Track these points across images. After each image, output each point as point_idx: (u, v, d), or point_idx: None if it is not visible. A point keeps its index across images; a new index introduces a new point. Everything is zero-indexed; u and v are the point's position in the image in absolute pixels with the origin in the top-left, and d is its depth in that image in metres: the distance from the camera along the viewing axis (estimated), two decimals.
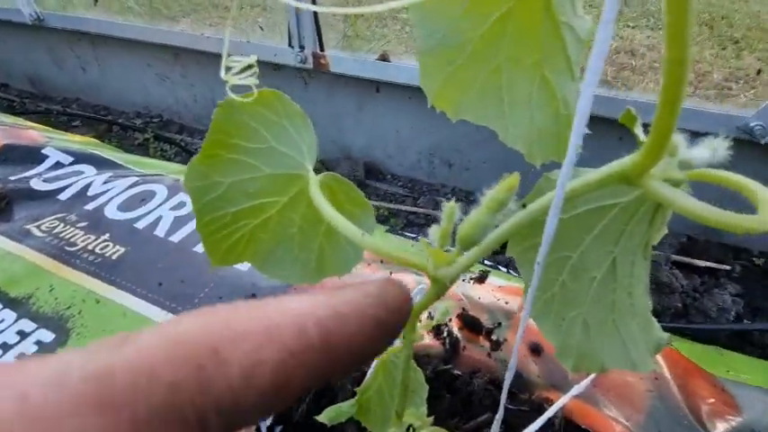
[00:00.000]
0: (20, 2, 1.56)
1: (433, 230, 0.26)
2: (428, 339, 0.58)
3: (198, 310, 0.13)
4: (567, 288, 0.33)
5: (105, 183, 0.87)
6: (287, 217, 0.37)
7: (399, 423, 0.37)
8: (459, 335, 0.60)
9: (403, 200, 1.31)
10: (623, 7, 2.15)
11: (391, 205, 1.26)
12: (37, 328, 0.63)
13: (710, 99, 1.49)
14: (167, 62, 1.56)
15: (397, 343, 0.41)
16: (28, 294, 0.68)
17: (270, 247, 0.38)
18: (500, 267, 0.80)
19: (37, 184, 0.87)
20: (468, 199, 1.30)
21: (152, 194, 0.85)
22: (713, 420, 0.56)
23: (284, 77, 1.32)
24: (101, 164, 0.94)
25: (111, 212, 0.80)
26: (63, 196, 0.86)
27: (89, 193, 0.85)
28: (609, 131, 1.02)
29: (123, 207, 0.82)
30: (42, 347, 0.62)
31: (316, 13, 1.11)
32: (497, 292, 0.70)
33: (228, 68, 0.31)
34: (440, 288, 0.26)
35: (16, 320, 0.64)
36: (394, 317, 0.15)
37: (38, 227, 0.78)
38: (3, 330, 0.63)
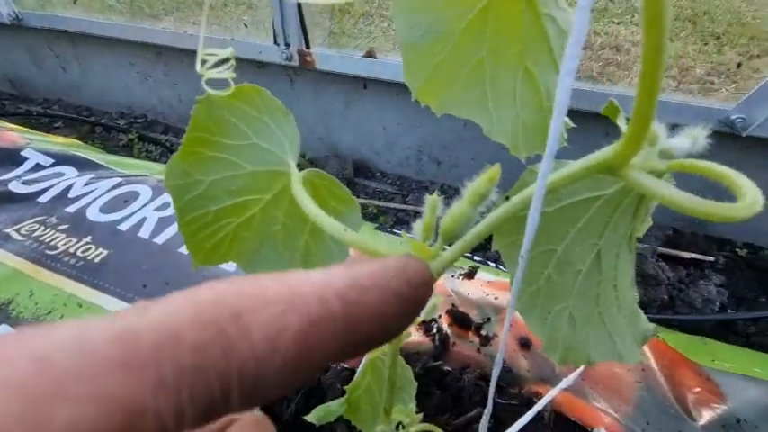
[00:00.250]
0: None
1: (417, 225, 0.26)
2: (418, 336, 0.58)
3: (219, 280, 0.13)
4: (552, 281, 0.33)
5: (87, 184, 0.85)
6: (271, 215, 0.36)
7: (388, 420, 0.36)
8: (448, 331, 0.60)
9: (392, 197, 1.31)
10: (608, 3, 2.17)
11: (380, 203, 1.25)
12: None
13: (693, 93, 1.51)
14: (150, 61, 1.53)
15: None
16: (8, 300, 0.66)
17: (254, 246, 0.37)
18: (489, 263, 0.80)
19: (16, 187, 0.85)
20: (456, 196, 1.30)
21: (136, 195, 0.83)
22: (699, 409, 0.57)
23: (270, 75, 1.31)
24: (82, 165, 0.92)
25: (94, 214, 0.79)
26: (43, 199, 0.84)
27: (70, 195, 0.83)
28: (595, 126, 1.03)
29: (106, 209, 0.80)
30: None
31: (301, 10, 1.10)
32: (486, 287, 0.70)
33: (204, 62, 0.30)
34: None
35: None
36: (416, 292, 0.15)
37: (17, 230, 0.76)
38: None
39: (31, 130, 1.16)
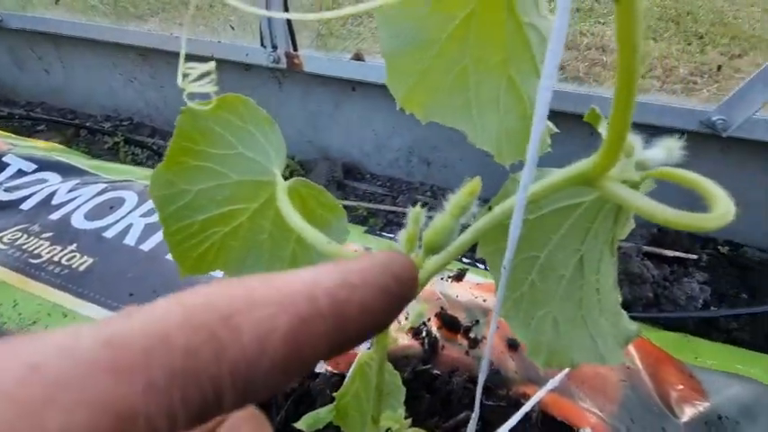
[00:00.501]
0: None
1: (401, 235, 0.26)
2: (407, 340, 0.58)
3: (208, 283, 0.13)
4: (535, 287, 0.34)
5: (71, 191, 0.84)
6: (257, 224, 0.36)
7: (376, 428, 0.37)
8: (437, 334, 0.61)
9: (382, 199, 1.31)
10: (594, 4, 2.19)
11: (371, 205, 1.26)
12: None
13: (677, 93, 1.54)
14: (135, 63, 1.51)
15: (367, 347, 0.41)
16: None
17: (241, 255, 0.37)
18: (478, 265, 0.81)
19: None
20: (446, 197, 1.31)
21: (121, 201, 0.82)
22: (681, 406, 0.58)
23: (257, 78, 1.30)
24: (66, 171, 0.91)
25: (78, 221, 0.77)
26: (26, 206, 0.82)
27: (54, 202, 0.82)
28: (580, 128, 1.05)
29: (91, 216, 0.79)
30: None
31: (287, 11, 1.09)
32: (475, 289, 0.71)
33: (186, 75, 0.30)
34: None
35: None
36: (402, 286, 0.15)
37: None
38: None
39: (13, 135, 1.14)
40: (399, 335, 0.48)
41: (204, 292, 0.12)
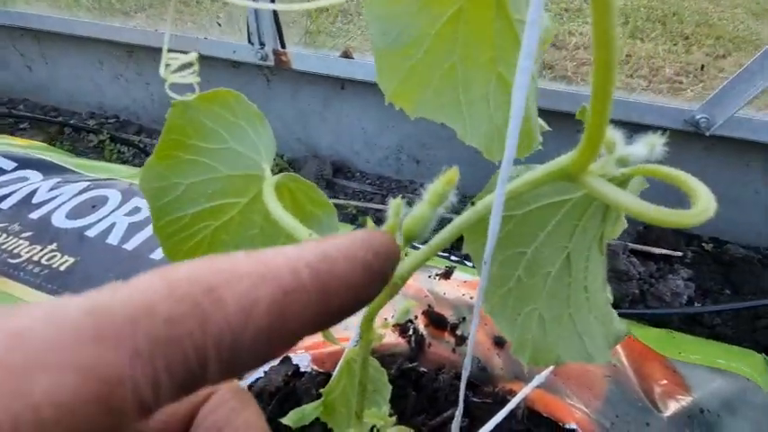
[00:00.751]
0: None
1: (382, 228, 0.26)
2: (393, 338, 0.58)
3: (193, 259, 0.13)
4: (522, 283, 0.34)
5: (52, 189, 0.82)
6: (248, 218, 0.37)
7: (360, 424, 0.36)
8: (424, 332, 0.61)
9: (372, 197, 1.31)
10: (582, 4, 2.21)
11: (360, 203, 1.25)
12: None
13: (663, 93, 1.56)
14: (121, 60, 1.49)
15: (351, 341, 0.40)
16: None
17: (231, 250, 0.37)
18: (466, 262, 0.81)
19: None
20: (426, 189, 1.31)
21: (104, 200, 0.80)
22: (665, 401, 0.59)
23: (245, 75, 1.29)
24: (48, 169, 0.89)
25: (59, 220, 0.76)
26: (5, 205, 0.80)
27: (34, 201, 0.80)
28: (569, 126, 1.05)
29: (72, 214, 0.77)
30: None
31: (275, 9, 1.08)
32: (462, 287, 0.71)
33: (168, 65, 0.29)
34: (392, 288, 0.26)
35: None
36: (382, 262, 0.16)
37: None
38: None
39: None
40: (386, 332, 0.48)
41: (187, 266, 0.12)
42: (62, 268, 0.68)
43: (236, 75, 1.29)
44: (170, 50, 0.28)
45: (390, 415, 0.40)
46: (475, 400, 0.53)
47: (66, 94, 1.65)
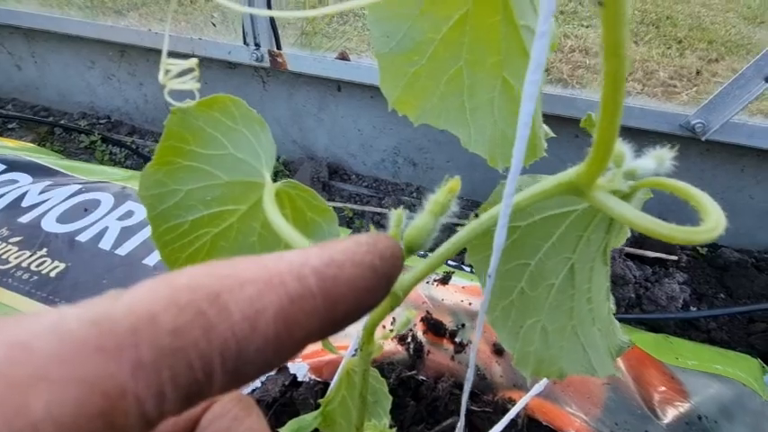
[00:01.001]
0: None
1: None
2: (392, 346, 0.57)
3: (195, 265, 0.13)
4: (525, 295, 0.33)
5: (42, 192, 0.80)
6: (247, 226, 0.36)
7: None
8: (423, 339, 0.60)
9: (368, 200, 1.30)
10: (578, 6, 2.22)
11: (356, 206, 1.24)
12: None
13: (657, 96, 1.57)
14: (113, 60, 1.47)
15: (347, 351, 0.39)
16: None
17: (231, 257, 0.37)
18: (464, 267, 0.81)
19: None
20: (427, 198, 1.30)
21: (96, 203, 0.79)
22: (664, 407, 0.59)
23: (241, 77, 1.27)
24: (37, 171, 0.87)
25: (50, 225, 0.74)
26: None
27: (24, 204, 0.78)
28: (565, 129, 1.05)
29: (63, 218, 0.76)
30: None
31: (270, 8, 1.07)
32: (461, 292, 0.70)
33: (167, 72, 0.29)
34: (393, 299, 0.26)
35: None
36: (388, 265, 0.15)
37: None
38: None
39: None
40: (384, 341, 0.47)
41: (190, 272, 0.12)
42: (52, 274, 0.66)
43: (232, 76, 1.28)
44: (169, 55, 0.27)
45: (390, 426, 0.39)
46: (475, 408, 0.53)
47: (57, 94, 1.63)
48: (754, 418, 0.60)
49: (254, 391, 0.49)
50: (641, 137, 0.94)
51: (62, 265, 0.67)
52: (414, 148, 1.26)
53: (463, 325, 0.64)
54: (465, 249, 0.32)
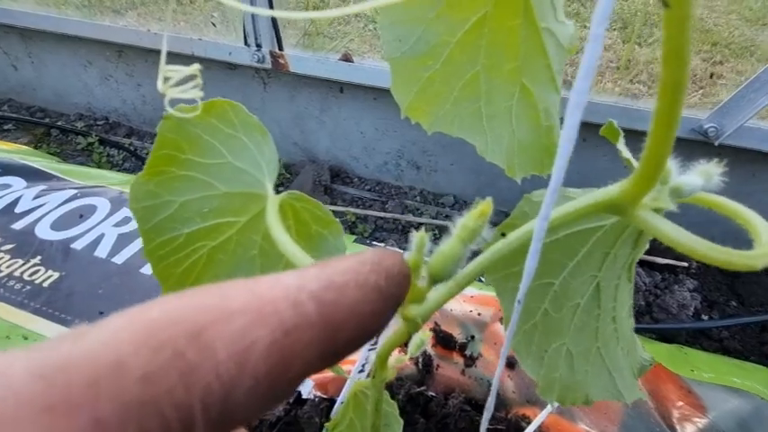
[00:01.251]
0: None
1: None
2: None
3: (176, 293, 0.11)
4: (549, 317, 0.31)
5: (37, 197, 0.78)
6: (248, 238, 0.35)
7: None
8: (432, 352, 0.58)
9: (371, 204, 1.28)
10: (580, 8, 2.21)
11: (359, 210, 1.22)
12: None
13: None
14: (110, 60, 1.44)
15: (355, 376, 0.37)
16: None
17: (229, 271, 0.35)
18: None
19: None
20: (436, 202, 1.28)
21: (92, 209, 0.76)
22: (683, 424, 0.56)
23: (241, 78, 1.25)
24: (32, 175, 0.84)
25: (44, 231, 0.71)
26: None
27: (17, 210, 0.75)
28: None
29: (58, 225, 0.73)
30: None
31: (272, 8, 1.05)
32: (470, 302, 0.68)
33: (167, 79, 0.26)
34: (411, 327, 0.24)
35: None
36: (394, 284, 0.14)
37: None
38: None
39: None
40: (400, 366, 0.45)
41: (169, 303, 0.11)
42: (45, 284, 0.64)
43: (233, 77, 1.26)
44: (168, 56, 0.25)
45: None
46: (488, 427, 0.51)
47: (54, 95, 1.60)
48: None
49: None
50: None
51: (56, 275, 0.65)
52: (417, 150, 1.24)
53: (473, 337, 0.61)
54: None
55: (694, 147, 0.93)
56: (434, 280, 0.22)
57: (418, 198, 1.29)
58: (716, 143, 0.88)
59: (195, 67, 0.24)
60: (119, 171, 1.30)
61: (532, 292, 0.30)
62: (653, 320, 0.92)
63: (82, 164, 1.28)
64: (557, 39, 0.30)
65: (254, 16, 1.05)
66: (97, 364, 0.09)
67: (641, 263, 1.03)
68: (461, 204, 1.25)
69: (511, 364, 0.59)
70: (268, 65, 1.13)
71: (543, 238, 0.22)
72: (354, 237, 0.92)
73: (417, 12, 0.29)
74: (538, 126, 0.32)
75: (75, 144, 1.47)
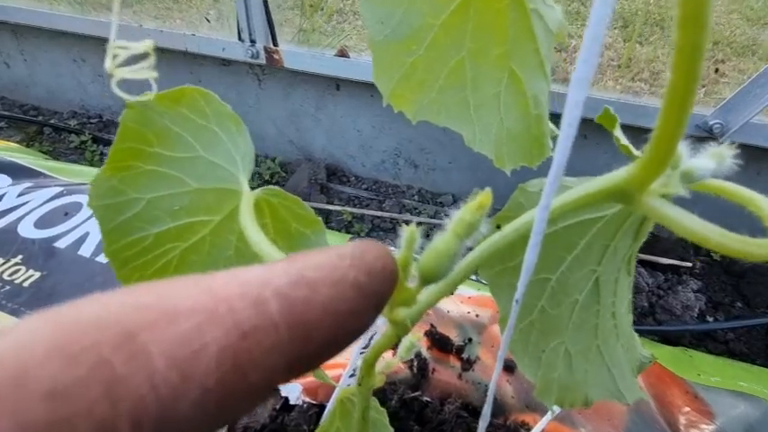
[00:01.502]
0: None
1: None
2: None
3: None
4: (546, 314, 0.30)
5: (21, 195, 0.75)
6: (223, 238, 0.33)
7: None
8: (427, 356, 0.55)
9: (368, 203, 1.26)
10: (581, 7, 2.19)
11: (355, 209, 1.20)
12: None
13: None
14: (104, 57, 1.42)
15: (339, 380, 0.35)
16: None
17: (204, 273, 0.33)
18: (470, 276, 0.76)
19: None
20: (434, 201, 1.26)
21: (77, 207, 0.74)
22: (690, 431, 0.54)
23: (235, 74, 1.23)
24: (18, 173, 0.82)
25: (26, 230, 0.69)
26: None
27: (0, 208, 0.73)
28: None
29: (41, 223, 0.71)
30: None
31: (266, 4, 1.03)
32: (467, 303, 0.65)
33: (116, 57, 0.24)
34: (400, 330, 0.21)
35: None
36: (377, 281, 0.12)
37: None
38: None
39: None
40: (388, 372, 0.43)
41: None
42: (26, 284, 0.62)
43: (227, 73, 1.24)
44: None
45: None
46: None
47: (47, 93, 1.58)
48: None
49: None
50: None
51: (37, 274, 0.63)
52: (415, 148, 1.22)
53: (470, 339, 0.59)
54: None
55: (698, 144, 0.91)
56: (426, 280, 0.20)
57: (416, 197, 1.27)
58: (721, 140, 0.86)
59: (147, 44, 0.22)
60: None
61: (529, 289, 0.28)
62: (656, 322, 0.89)
63: (74, 162, 1.26)
64: (545, 22, 0.28)
65: (248, 10, 1.03)
66: None
67: (644, 263, 1.00)
68: (460, 203, 1.23)
69: (510, 367, 0.57)
70: (262, 60, 1.11)
71: (544, 229, 0.20)
72: (350, 236, 0.90)
73: None
74: (527, 114, 0.30)
75: (68, 142, 1.45)
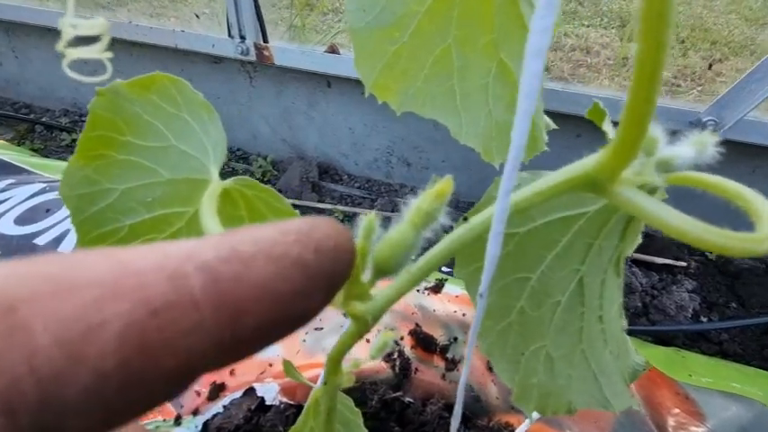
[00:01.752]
0: None
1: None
2: (375, 363, 0.52)
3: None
4: (526, 316, 0.28)
5: (2, 191, 0.74)
6: (199, 231, 0.31)
7: None
8: (411, 355, 0.54)
9: (360, 202, 1.24)
10: (578, 6, 2.19)
11: (348, 208, 1.18)
12: None
13: (662, 95, 1.53)
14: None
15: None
16: None
17: None
18: None
19: None
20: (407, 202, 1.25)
21: (59, 204, 0.73)
22: None
23: (226, 71, 1.22)
24: (1, 169, 0.81)
25: (6, 227, 0.68)
26: None
27: None
28: (567, 128, 1.00)
29: (22, 220, 0.70)
30: None
31: (256, 1, 1.01)
32: (454, 302, 0.64)
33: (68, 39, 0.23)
34: (361, 326, 0.20)
35: None
36: (326, 260, 0.11)
37: None
38: None
39: None
40: (358, 370, 0.42)
41: None
42: None
43: (218, 71, 1.22)
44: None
45: None
46: None
47: (39, 90, 1.57)
48: None
49: (214, 416, 0.43)
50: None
51: None
52: (408, 146, 1.21)
53: (456, 339, 0.58)
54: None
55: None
56: (380, 271, 0.19)
57: (409, 196, 1.26)
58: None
59: (101, 21, 0.21)
60: None
61: (507, 288, 0.27)
62: (649, 322, 0.88)
63: (65, 160, 1.24)
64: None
65: (237, 7, 1.02)
66: None
67: (638, 262, 0.99)
68: (453, 202, 1.22)
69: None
70: (252, 57, 1.10)
71: (505, 218, 0.18)
72: None
73: None
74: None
75: (59, 140, 1.44)
